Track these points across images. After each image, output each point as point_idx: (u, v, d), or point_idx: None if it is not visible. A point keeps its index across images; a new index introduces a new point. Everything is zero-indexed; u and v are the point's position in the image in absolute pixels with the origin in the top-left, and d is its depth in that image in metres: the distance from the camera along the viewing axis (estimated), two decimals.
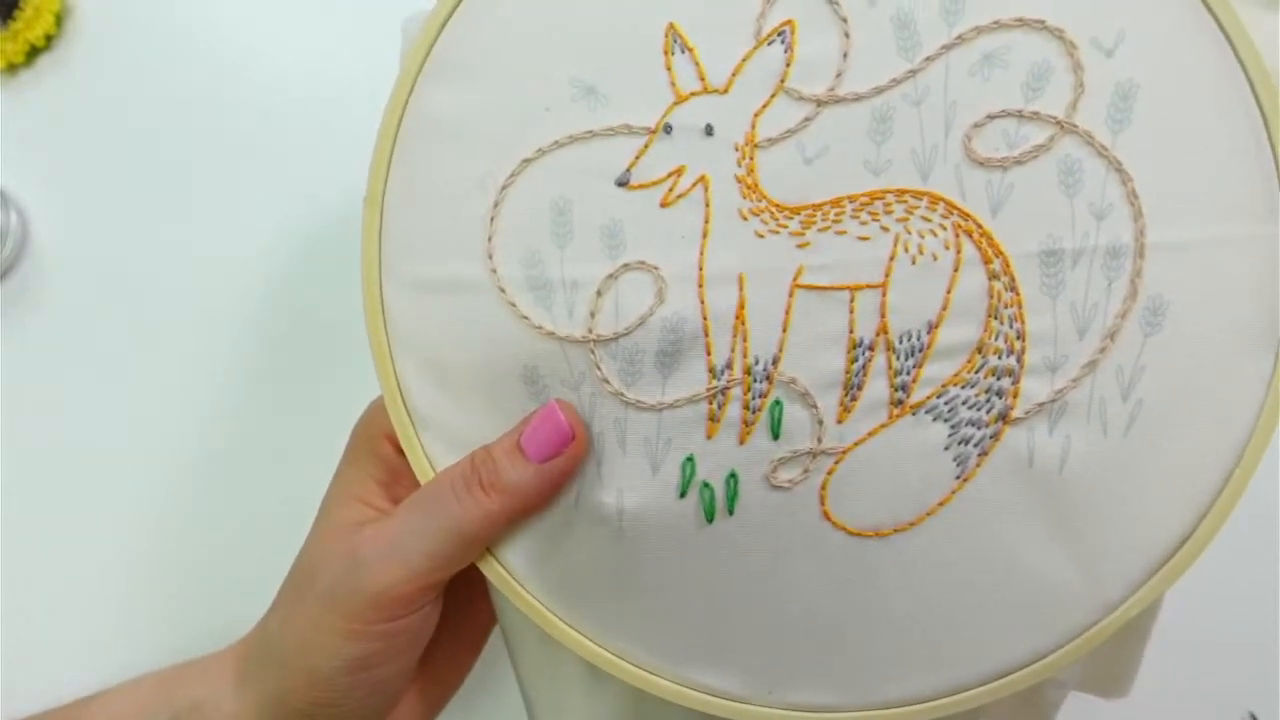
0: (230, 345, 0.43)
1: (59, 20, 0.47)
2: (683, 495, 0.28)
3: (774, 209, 0.28)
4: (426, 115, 0.30)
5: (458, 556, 0.28)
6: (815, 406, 0.28)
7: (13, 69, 0.47)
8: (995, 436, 0.28)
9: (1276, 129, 0.28)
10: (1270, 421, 0.28)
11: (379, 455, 0.31)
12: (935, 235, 0.28)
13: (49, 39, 0.46)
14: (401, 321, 0.30)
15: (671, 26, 0.29)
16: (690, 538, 0.28)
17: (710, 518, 0.28)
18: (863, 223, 0.28)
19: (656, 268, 0.28)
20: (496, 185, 0.29)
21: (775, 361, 0.28)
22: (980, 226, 0.28)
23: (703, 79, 0.28)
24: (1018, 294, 0.27)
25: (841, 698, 0.29)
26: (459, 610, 0.33)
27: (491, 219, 0.29)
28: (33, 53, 0.47)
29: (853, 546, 0.28)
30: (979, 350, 0.28)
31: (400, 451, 0.30)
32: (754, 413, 0.28)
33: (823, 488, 0.28)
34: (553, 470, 0.27)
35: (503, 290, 0.29)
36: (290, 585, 0.31)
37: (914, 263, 0.28)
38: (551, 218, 0.29)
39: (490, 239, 0.29)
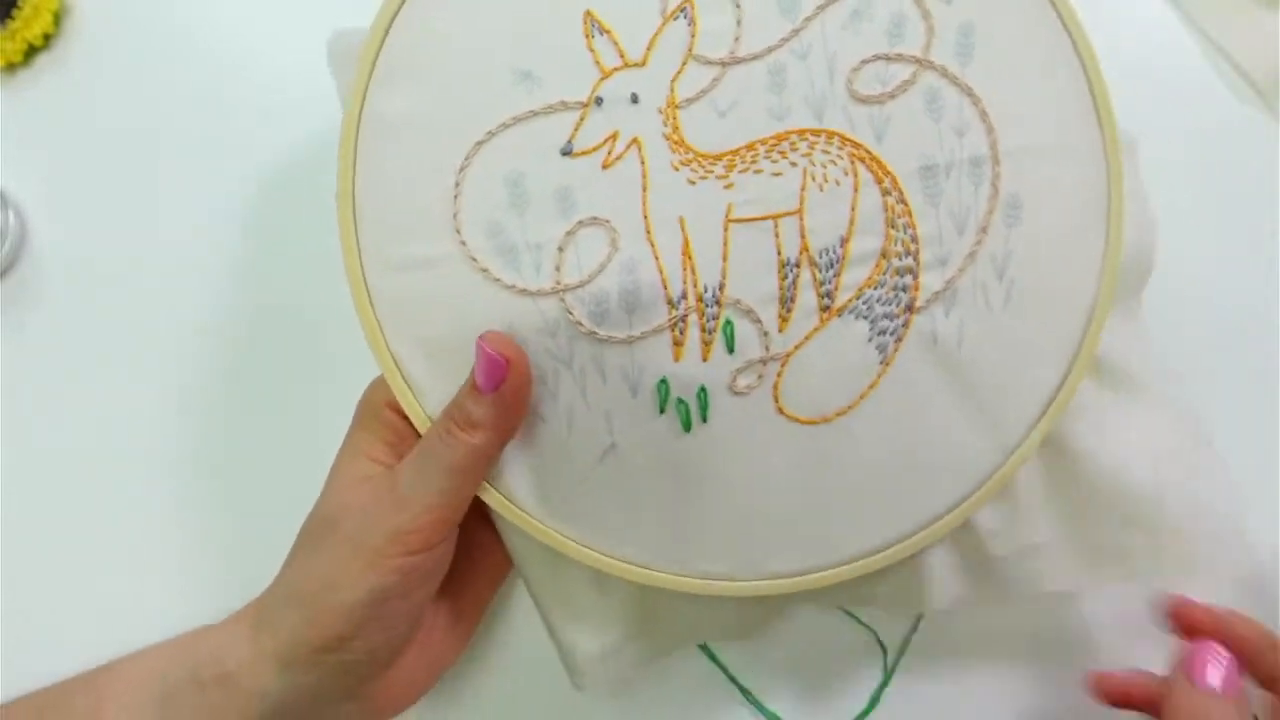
0: (229, 344, 0.43)
1: (57, 19, 0.46)
2: (661, 412, 0.33)
3: (700, 158, 0.33)
4: (382, 117, 0.33)
5: (456, 489, 0.31)
6: (759, 320, 0.33)
7: (11, 68, 0.46)
8: (905, 325, 0.33)
9: (1084, 49, 0.34)
10: (1110, 280, 0.34)
11: (384, 420, 0.34)
12: (835, 164, 0.33)
13: (47, 38, 0.46)
14: (387, 301, 0.33)
15: (589, 14, 0.33)
16: (672, 446, 0.33)
17: (688, 427, 0.33)
18: (774, 161, 0.33)
19: (608, 220, 0.32)
20: (455, 168, 0.33)
21: (721, 287, 0.32)
22: (870, 153, 0.33)
23: (622, 56, 0.33)
24: (907, 205, 0.33)
25: (813, 561, 0.34)
26: (472, 555, 0.36)
27: (455, 197, 0.33)
28: (31, 52, 0.46)
29: (805, 433, 0.33)
30: (883, 255, 0.33)
31: (403, 416, 0.33)
32: (710, 333, 0.33)
33: (775, 387, 0.33)
34: (506, 394, 0.31)
35: (474, 259, 0.32)
36: (306, 539, 0.33)
37: (821, 190, 0.33)
38: (508, 190, 0.33)
39: (455, 215, 0.33)
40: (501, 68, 0.33)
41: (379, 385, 0.35)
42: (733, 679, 0.40)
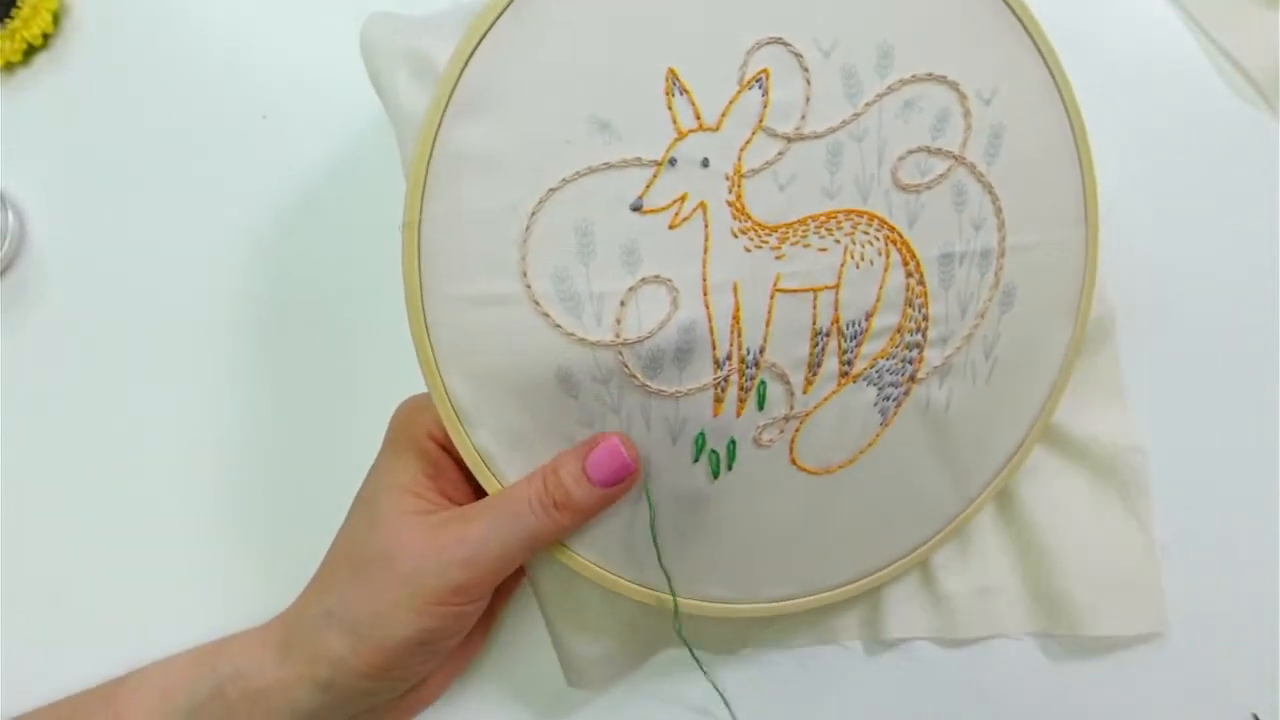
0: (228, 344, 0.43)
1: (56, 19, 0.46)
2: (695, 461, 0.35)
3: (757, 227, 0.35)
4: (457, 150, 0.32)
5: (526, 555, 0.34)
6: (789, 382, 0.36)
7: (10, 68, 0.46)
8: (906, 393, 0.38)
9: (1084, 151, 0.39)
10: (1070, 360, 0.40)
11: (423, 450, 0.34)
12: (872, 245, 0.36)
13: (46, 38, 0.46)
14: (444, 333, 0.33)
15: (672, 71, 0.33)
16: (701, 491, 0.36)
17: (716, 476, 0.36)
18: (822, 237, 0.35)
19: (670, 280, 0.34)
20: (527, 212, 0.33)
21: (762, 350, 0.35)
22: (902, 237, 0.36)
23: (698, 117, 0.34)
24: (925, 287, 0.37)
25: (801, 588, 0.39)
26: None
27: (524, 241, 0.33)
28: (30, 52, 0.46)
29: (810, 482, 0.37)
30: (898, 330, 0.37)
31: (443, 448, 0.34)
32: (746, 392, 0.35)
33: (792, 442, 0.36)
34: (614, 493, 0.33)
35: (537, 303, 0.33)
36: (349, 567, 0.34)
37: (858, 267, 0.36)
38: (576, 239, 0.33)
39: (523, 259, 0.33)
40: (581, 114, 0.33)
41: (415, 412, 0.35)
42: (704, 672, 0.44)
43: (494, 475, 0.34)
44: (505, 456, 0.34)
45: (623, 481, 0.33)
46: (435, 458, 0.35)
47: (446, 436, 0.34)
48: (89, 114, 0.45)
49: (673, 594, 0.37)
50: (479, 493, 0.35)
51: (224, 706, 0.33)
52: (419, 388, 0.34)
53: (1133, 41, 0.45)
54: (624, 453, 0.33)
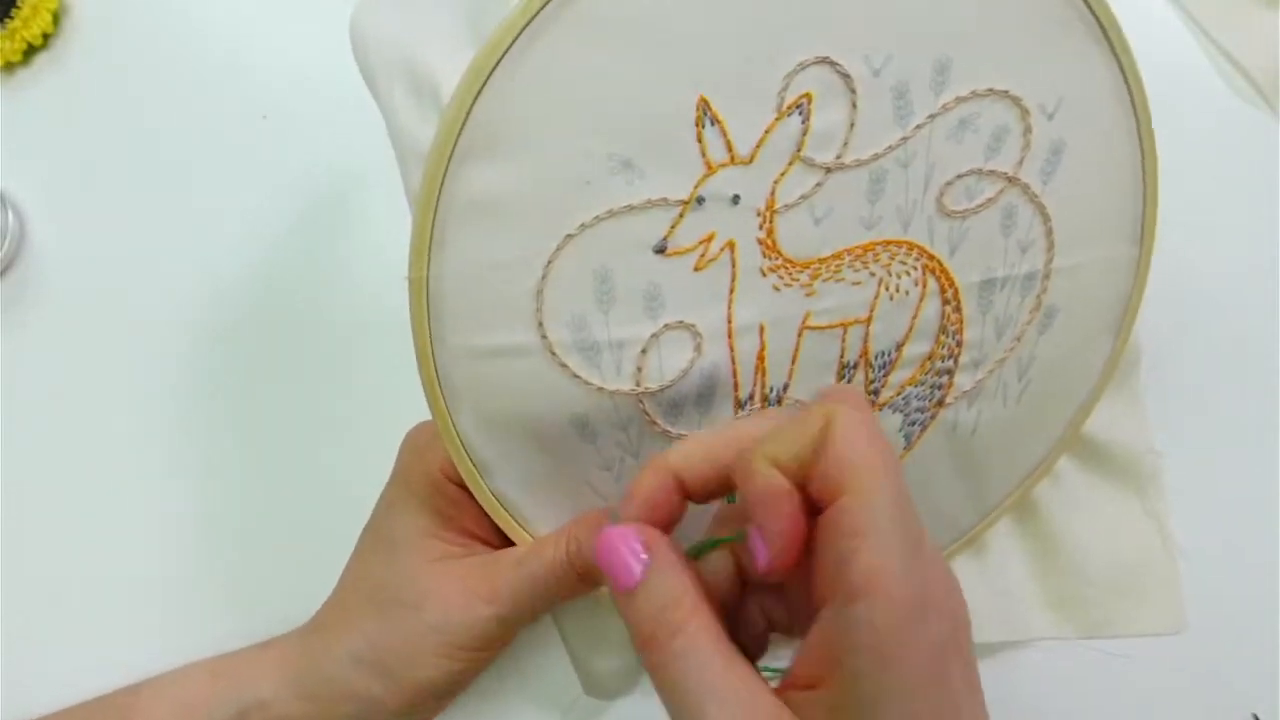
0: (227, 345, 0.42)
1: (56, 19, 0.46)
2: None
3: (788, 265, 0.32)
4: (467, 194, 0.29)
5: (550, 609, 0.34)
6: None
7: (10, 68, 0.46)
8: (933, 417, 0.36)
9: (1150, 171, 0.35)
10: (1107, 377, 0.38)
11: (439, 488, 0.34)
12: (908, 275, 0.34)
13: (46, 38, 0.46)
14: (458, 386, 0.32)
15: (703, 100, 0.30)
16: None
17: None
18: (856, 270, 0.33)
19: (694, 325, 0.32)
20: (544, 261, 0.30)
21: (785, 389, 0.34)
22: (941, 265, 0.34)
23: (730, 150, 0.31)
24: (961, 314, 0.35)
25: None
26: None
27: (540, 291, 0.31)
28: (30, 52, 0.46)
29: None
30: (929, 358, 0.35)
31: (459, 485, 0.34)
32: None
33: None
34: None
35: (554, 354, 0.31)
36: (372, 606, 0.34)
37: (892, 299, 0.34)
38: (595, 285, 0.31)
39: (539, 309, 0.31)
40: (600, 152, 0.30)
41: (427, 445, 0.34)
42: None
43: (516, 523, 0.34)
44: (524, 501, 0.34)
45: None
46: (450, 493, 0.34)
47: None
48: (89, 114, 0.44)
49: None
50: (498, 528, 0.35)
51: None
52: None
53: (1132, 41, 0.42)
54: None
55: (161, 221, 0.43)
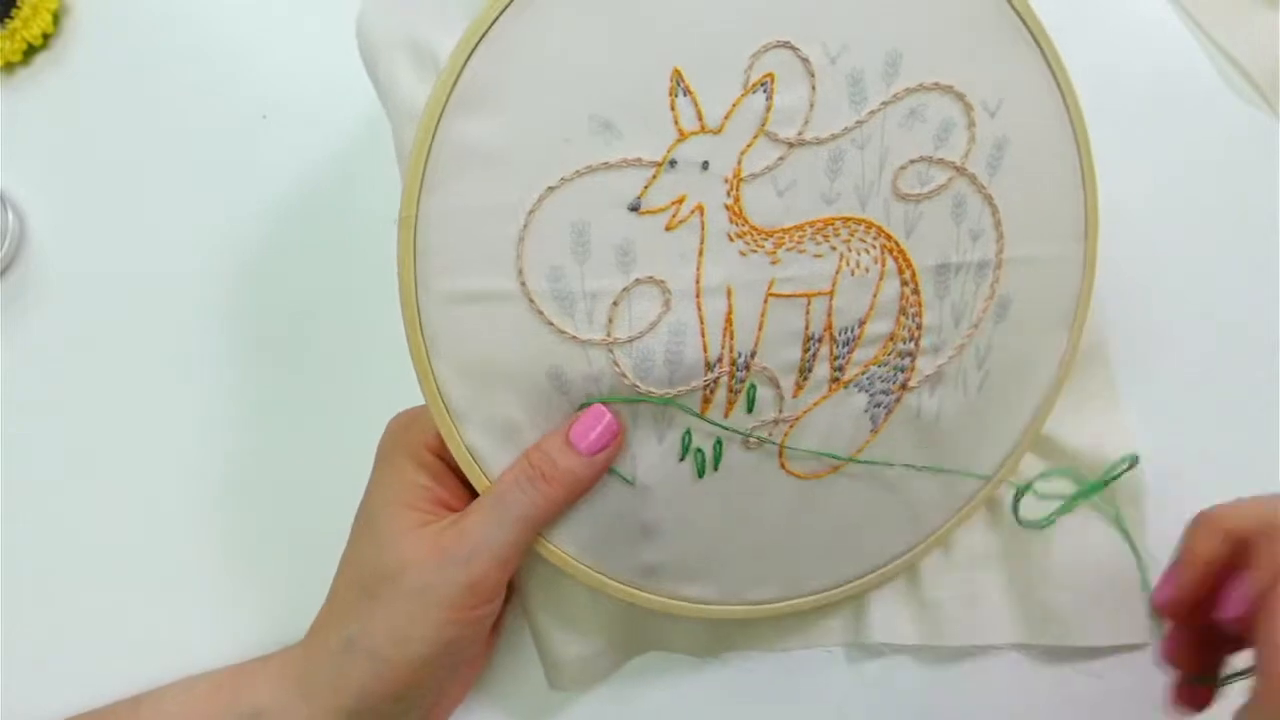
0: (227, 344, 0.43)
1: (56, 19, 0.46)
2: (681, 459, 0.36)
3: (753, 232, 0.35)
4: (457, 144, 0.32)
5: (526, 541, 0.34)
6: (779, 386, 0.36)
7: (10, 68, 0.46)
8: (897, 400, 0.38)
9: (1088, 170, 0.38)
10: (1063, 374, 0.40)
11: (419, 460, 0.34)
12: (868, 253, 0.36)
13: (46, 38, 0.46)
14: (438, 329, 0.33)
15: (677, 71, 0.33)
16: (686, 490, 0.36)
17: (701, 474, 0.36)
18: (818, 244, 0.35)
19: (663, 281, 0.34)
20: (525, 210, 0.33)
21: (753, 354, 0.35)
22: (899, 246, 0.36)
23: (701, 119, 0.34)
24: (919, 297, 0.37)
25: (784, 592, 0.39)
26: None
27: (520, 239, 0.33)
28: (30, 52, 0.46)
29: (797, 486, 0.37)
30: (891, 339, 0.37)
31: (439, 457, 0.35)
32: (735, 394, 0.36)
33: (781, 445, 0.37)
34: (600, 459, 0.34)
35: (531, 300, 0.33)
36: (360, 589, 0.34)
37: (853, 274, 0.36)
38: (572, 238, 0.33)
39: (519, 256, 0.33)
40: (583, 113, 0.33)
41: (409, 423, 0.35)
42: None
43: (484, 474, 0.35)
44: (495, 454, 0.34)
45: (608, 447, 0.33)
46: (431, 466, 0.35)
47: (441, 445, 0.34)
48: (89, 114, 0.45)
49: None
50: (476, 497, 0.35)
51: None
52: (418, 385, 0.34)
53: (1133, 42, 0.45)
54: (607, 414, 0.33)
55: (161, 221, 0.44)
